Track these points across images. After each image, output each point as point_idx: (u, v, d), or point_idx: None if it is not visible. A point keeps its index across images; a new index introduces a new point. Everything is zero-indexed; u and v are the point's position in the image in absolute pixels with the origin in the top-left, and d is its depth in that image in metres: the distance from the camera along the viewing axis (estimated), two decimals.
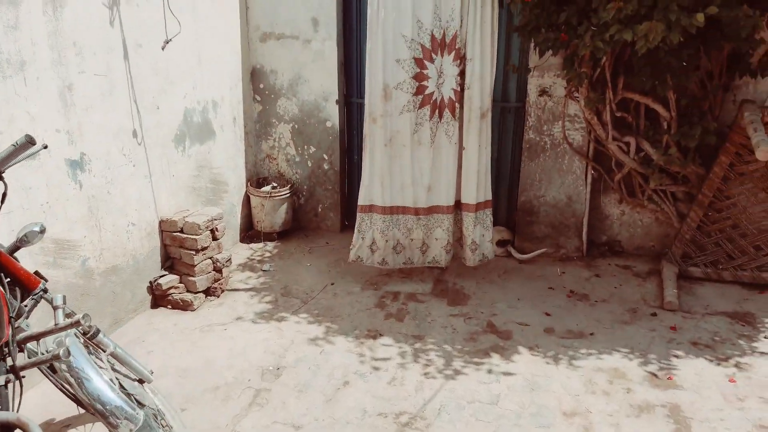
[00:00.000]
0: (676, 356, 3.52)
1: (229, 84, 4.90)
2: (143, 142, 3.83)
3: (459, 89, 4.03)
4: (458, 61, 3.98)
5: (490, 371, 3.41)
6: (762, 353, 3.53)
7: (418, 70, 3.96)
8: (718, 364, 3.43)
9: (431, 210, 4.27)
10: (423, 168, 4.15)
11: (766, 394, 3.17)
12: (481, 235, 4.30)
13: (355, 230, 4.28)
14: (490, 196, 4.27)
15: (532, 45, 3.87)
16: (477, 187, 4.17)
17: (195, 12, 4.29)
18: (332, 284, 4.45)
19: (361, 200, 4.22)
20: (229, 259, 4.34)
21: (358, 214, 4.25)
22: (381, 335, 3.78)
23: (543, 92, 4.48)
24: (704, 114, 4.14)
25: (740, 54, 4.02)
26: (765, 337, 3.69)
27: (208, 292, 4.22)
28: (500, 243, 4.88)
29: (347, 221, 5.51)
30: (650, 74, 3.77)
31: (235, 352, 3.59)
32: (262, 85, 5.25)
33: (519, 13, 3.76)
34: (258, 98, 5.30)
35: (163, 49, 3.89)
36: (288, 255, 4.98)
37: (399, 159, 4.13)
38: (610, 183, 4.67)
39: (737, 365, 3.42)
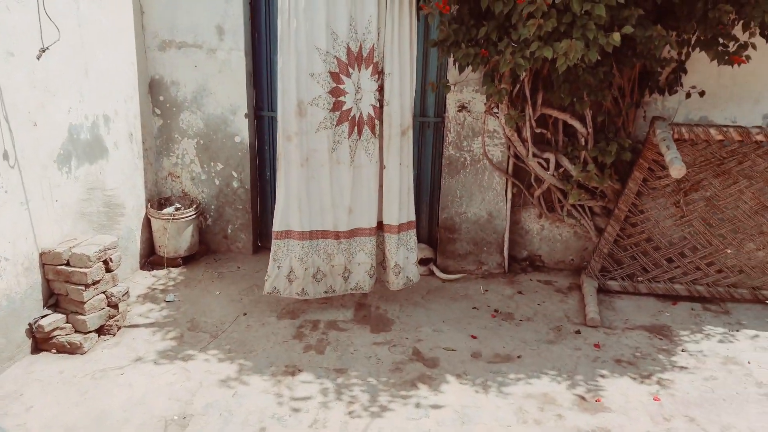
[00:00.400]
0: (602, 376, 3.48)
1: (123, 96, 4.44)
2: (17, 163, 3.33)
3: (378, 105, 3.83)
4: (376, 75, 3.77)
5: (418, 405, 3.22)
6: (681, 368, 3.56)
7: (335, 85, 3.72)
8: (642, 382, 3.42)
9: (353, 233, 4.04)
10: (343, 189, 3.91)
11: (690, 412, 3.17)
12: (405, 257, 4.12)
13: (271, 259, 3.96)
14: (413, 217, 4.09)
15: (452, 60, 3.74)
16: (399, 208, 3.98)
17: (79, 16, 3.82)
18: (245, 314, 4.11)
19: (277, 226, 3.91)
20: (127, 292, 3.89)
21: (274, 242, 3.94)
22: (300, 371, 3.49)
23: (462, 108, 4.37)
24: (618, 130, 4.18)
25: (650, 72, 4.08)
26: (682, 350, 3.73)
27: (101, 330, 3.76)
28: (422, 261, 4.72)
29: (260, 242, 5.17)
30: (569, 91, 3.74)
31: (134, 401, 3.18)
32: (162, 98, 4.81)
33: (437, 27, 3.60)
34: (158, 112, 4.86)
35: (38, 58, 3.41)
36: (195, 282, 4.58)
37: (317, 180, 3.86)
38: (529, 198, 4.64)
39: (659, 382, 3.43)
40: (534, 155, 4.18)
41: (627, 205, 4.21)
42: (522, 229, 4.83)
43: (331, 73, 3.70)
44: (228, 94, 4.73)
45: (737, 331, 3.94)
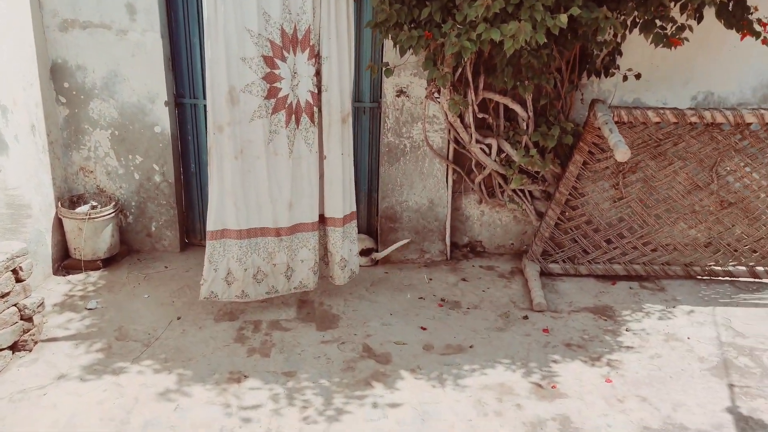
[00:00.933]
0: (555, 361, 3.48)
1: (22, 83, 3.95)
2: None
3: (316, 91, 3.60)
4: (313, 59, 3.54)
5: (375, 405, 3.08)
6: (627, 347, 3.62)
7: (269, 70, 3.45)
8: (593, 365, 3.45)
9: (295, 229, 3.80)
10: (282, 182, 3.66)
11: (641, 392, 3.22)
12: (349, 250, 3.94)
13: (206, 261, 3.66)
14: (354, 207, 3.91)
15: (391, 43, 3.57)
16: (343, 199, 3.79)
17: None
18: (179, 318, 3.80)
19: (211, 225, 3.61)
20: (42, 303, 3.48)
21: (209, 243, 3.64)
22: (246, 377, 3.26)
23: (401, 92, 4.22)
24: (558, 114, 4.17)
25: (587, 54, 4.09)
26: (626, 330, 3.81)
27: (15, 347, 3.35)
28: (363, 252, 4.56)
29: (188, 239, 4.82)
30: (512, 74, 3.67)
31: (62, 425, 2.85)
32: (67, 84, 4.33)
33: (378, 7, 3.41)
34: (63, 100, 4.37)
35: None
36: (119, 286, 4.19)
37: (253, 173, 3.59)
38: (470, 185, 4.57)
39: (609, 363, 3.47)
40: (477, 141, 4.10)
41: (567, 188, 4.23)
42: (462, 215, 4.76)
43: (264, 57, 3.43)
44: (144, 80, 4.32)
45: (674, 307, 4.07)
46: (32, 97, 4.07)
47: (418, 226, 4.60)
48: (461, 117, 4.03)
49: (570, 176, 4.21)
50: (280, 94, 3.51)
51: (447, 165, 4.44)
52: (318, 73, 3.59)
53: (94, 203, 4.42)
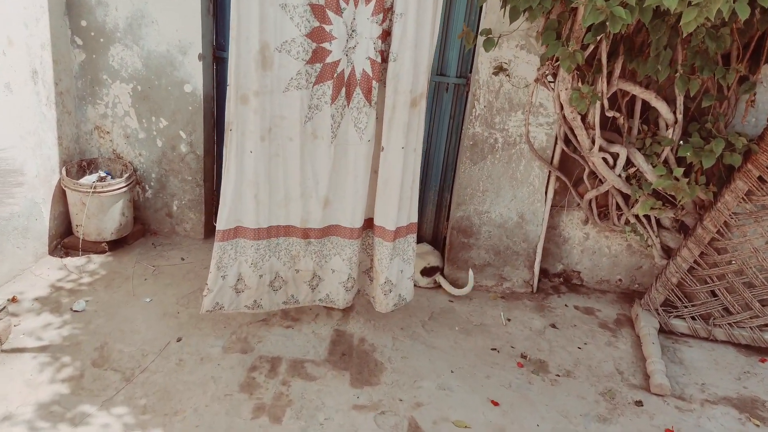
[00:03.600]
0: None
1: (23, 17, 3.14)
2: None
3: (380, 60, 2.57)
4: (381, 15, 2.49)
5: None
6: None
7: (317, 25, 2.45)
8: None
9: (328, 231, 2.86)
10: (319, 172, 2.70)
11: None
12: (400, 271, 2.95)
13: (213, 268, 2.78)
14: (415, 218, 2.90)
15: (497, 0, 2.48)
16: (399, 207, 2.78)
17: None
18: (179, 340, 2.95)
19: (223, 223, 2.71)
20: (4, 307, 2.71)
21: (218, 244, 2.75)
22: None
23: (500, 69, 3.10)
24: (717, 121, 2.95)
25: None
26: None
27: None
28: (426, 271, 3.56)
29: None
30: (670, 61, 2.49)
31: None
32: (84, 23, 3.49)
33: None
34: (79, 42, 3.54)
35: None
36: (120, 280, 3.40)
37: (282, 159, 2.65)
38: (576, 199, 3.43)
39: None
40: (600, 148, 2.95)
41: (717, 224, 3.03)
42: (559, 236, 3.65)
43: (312, 5, 2.42)
44: (176, 26, 3.42)
45: None
46: (36, 37, 3.26)
47: (499, 246, 3.53)
48: (583, 113, 2.88)
49: (723, 208, 3.01)
50: (329, 59, 2.51)
51: (549, 172, 3.32)
52: (386, 35, 2.55)
53: (103, 173, 3.62)
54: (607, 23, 2.05)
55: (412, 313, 3.32)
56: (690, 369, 3.07)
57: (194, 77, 3.51)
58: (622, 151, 2.95)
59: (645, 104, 2.99)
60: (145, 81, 3.57)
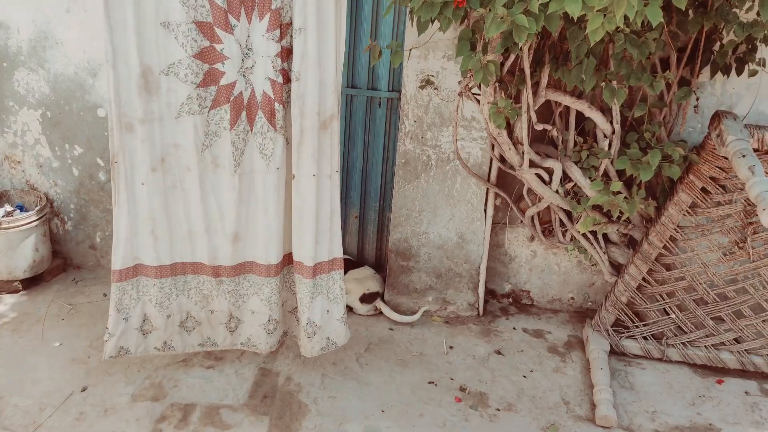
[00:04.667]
0: None
1: None
2: None
3: (281, 80, 2.35)
4: (277, 31, 2.28)
5: None
6: None
7: (207, 44, 2.23)
8: None
9: (242, 269, 2.63)
10: (223, 205, 2.47)
11: None
12: (325, 311, 2.72)
13: (112, 310, 2.55)
14: (338, 253, 2.67)
15: (408, 12, 2.27)
16: (317, 240, 2.55)
17: None
18: (84, 390, 2.71)
19: (119, 262, 2.49)
20: None
21: (115, 285, 2.52)
22: None
23: (427, 82, 2.89)
24: (658, 130, 2.76)
25: (711, 39, 2.64)
26: None
27: None
28: (365, 298, 3.34)
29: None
30: (595, 69, 2.30)
31: None
32: None
33: None
34: None
35: None
36: (30, 322, 3.14)
37: (182, 191, 2.42)
38: (519, 216, 3.23)
39: None
40: (532, 164, 2.75)
41: (662, 239, 2.84)
42: (505, 254, 3.44)
43: (198, 24, 2.19)
44: (83, 46, 3.19)
45: None
46: None
47: (440, 268, 3.32)
48: (509, 128, 2.68)
49: (668, 222, 2.82)
50: (224, 81, 2.29)
51: (487, 189, 3.12)
52: (287, 53, 2.33)
53: (10, 208, 3.36)
54: (514, 34, 1.85)
55: (348, 345, 3.09)
56: (641, 394, 2.87)
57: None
58: (557, 166, 2.74)
59: (580, 115, 2.79)
60: (54, 106, 3.33)
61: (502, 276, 3.50)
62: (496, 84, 2.46)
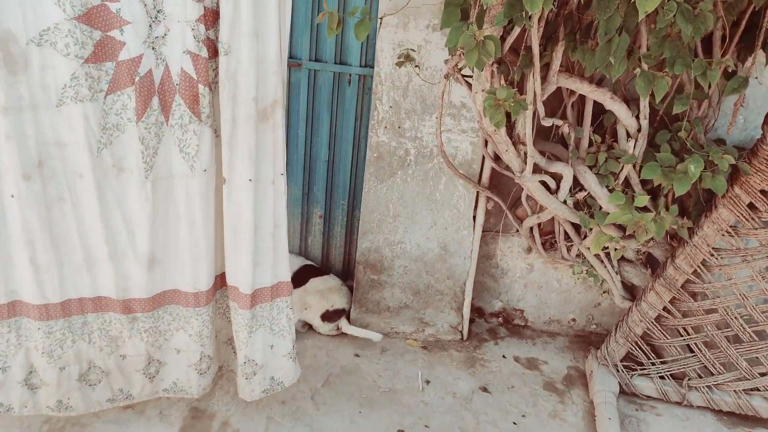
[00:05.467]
0: None
1: None
2: None
3: (206, 53, 1.74)
4: None
5: None
6: None
7: (96, 2, 1.60)
8: None
9: (162, 300, 2.06)
10: (134, 221, 1.88)
11: None
12: (269, 346, 2.16)
13: None
14: (285, 276, 2.09)
15: None
16: (255, 262, 1.98)
17: None
18: None
19: None
20: None
21: None
22: None
23: (406, 58, 2.28)
24: (693, 129, 2.18)
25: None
26: None
27: None
28: (328, 316, 2.80)
29: None
30: (627, 52, 1.71)
31: None
32: None
33: None
34: None
35: None
36: None
37: (72, 205, 1.82)
38: (514, 224, 2.66)
39: None
40: (536, 168, 2.17)
41: (693, 263, 2.29)
42: (496, 267, 2.89)
43: None
44: None
45: None
46: None
47: (418, 284, 2.76)
48: (510, 123, 2.08)
49: (702, 243, 2.26)
50: (124, 55, 1.67)
51: (477, 192, 2.55)
52: (212, 17, 1.72)
53: None
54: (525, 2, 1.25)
55: (304, 375, 2.55)
56: None
57: None
58: (567, 171, 2.17)
59: (599, 107, 2.21)
60: None
61: (491, 292, 2.96)
62: (494, 66, 1.86)
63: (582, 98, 2.22)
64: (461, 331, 2.85)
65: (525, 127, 1.98)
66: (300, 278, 2.94)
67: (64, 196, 1.80)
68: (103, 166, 1.78)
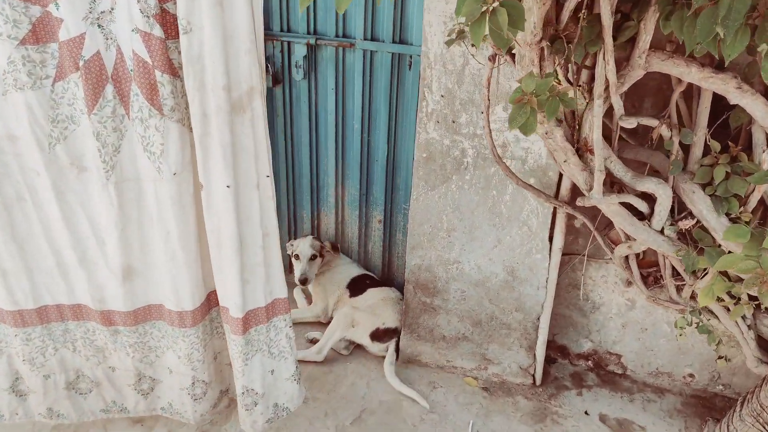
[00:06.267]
0: None
1: None
2: None
3: (160, 33, 1.40)
4: None
5: None
6: None
7: None
8: None
9: (147, 314, 1.81)
10: (100, 227, 1.65)
11: None
12: (269, 372, 1.83)
13: None
14: (281, 291, 1.73)
15: None
16: (243, 280, 1.65)
17: None
18: None
19: None
20: None
21: None
22: None
23: (459, 35, 1.77)
24: None
25: None
26: None
27: None
28: (377, 335, 2.41)
29: None
30: (748, 16, 1.07)
31: None
32: None
33: None
34: None
35: None
36: None
37: (35, 205, 1.62)
38: (606, 249, 2.04)
39: None
40: (611, 189, 1.57)
41: None
42: (585, 299, 2.29)
43: None
44: None
45: None
46: None
47: (479, 313, 2.26)
48: (572, 122, 1.50)
49: None
50: (63, 34, 1.39)
51: (552, 205, 1.97)
52: None
53: None
54: None
55: (333, 408, 2.20)
56: None
57: None
58: (663, 192, 1.53)
59: (721, 101, 1.53)
60: None
61: (579, 329, 2.35)
62: (543, 44, 1.30)
63: (691, 87, 1.56)
64: (533, 375, 2.30)
65: (592, 129, 1.40)
66: (356, 288, 2.59)
67: (25, 196, 1.59)
68: (59, 163, 1.54)
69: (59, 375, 1.87)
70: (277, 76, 2.42)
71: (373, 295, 2.56)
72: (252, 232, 1.60)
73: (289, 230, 2.79)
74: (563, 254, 2.13)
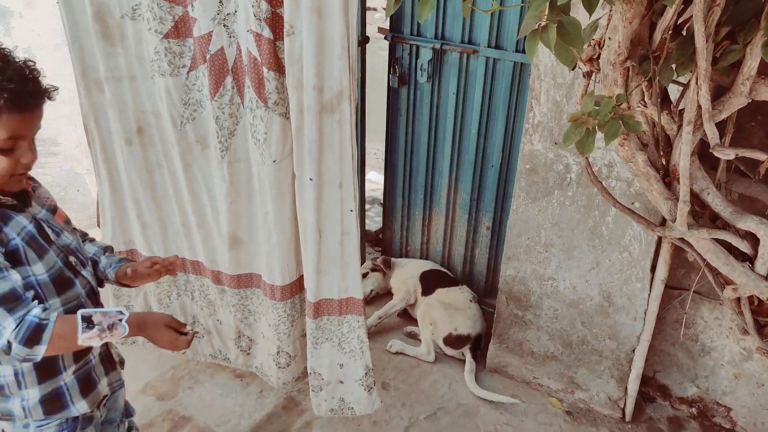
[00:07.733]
0: None
1: None
2: None
3: (269, 34, 1.57)
4: None
5: None
6: None
7: None
8: None
9: (248, 281, 2.04)
10: (216, 198, 1.89)
11: None
12: (337, 364, 1.95)
13: (110, 296, 2.22)
14: (356, 292, 1.84)
15: None
16: (319, 270, 1.79)
17: None
18: None
19: (107, 236, 2.11)
20: None
21: None
22: None
23: None
24: None
25: None
26: None
27: None
28: (450, 341, 2.44)
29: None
30: None
31: None
32: None
33: None
34: None
35: None
36: None
37: (170, 173, 1.93)
38: (716, 288, 1.87)
39: None
40: (719, 221, 1.45)
41: None
42: (695, 340, 2.10)
43: None
44: None
45: None
46: None
47: (571, 334, 2.18)
48: (665, 150, 1.40)
49: None
50: (196, 31, 1.62)
51: (659, 237, 1.85)
52: None
53: None
54: None
55: (411, 401, 2.28)
56: None
57: None
58: (765, 232, 1.38)
59: None
60: None
61: (684, 371, 2.17)
62: (629, 63, 1.25)
63: None
64: (622, 409, 2.17)
65: (680, 156, 1.30)
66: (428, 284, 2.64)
67: (162, 163, 1.88)
68: (187, 140, 1.79)
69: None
70: (403, 77, 2.53)
71: (441, 294, 2.57)
72: (331, 226, 1.72)
73: (402, 226, 2.90)
74: (671, 288, 1.99)
